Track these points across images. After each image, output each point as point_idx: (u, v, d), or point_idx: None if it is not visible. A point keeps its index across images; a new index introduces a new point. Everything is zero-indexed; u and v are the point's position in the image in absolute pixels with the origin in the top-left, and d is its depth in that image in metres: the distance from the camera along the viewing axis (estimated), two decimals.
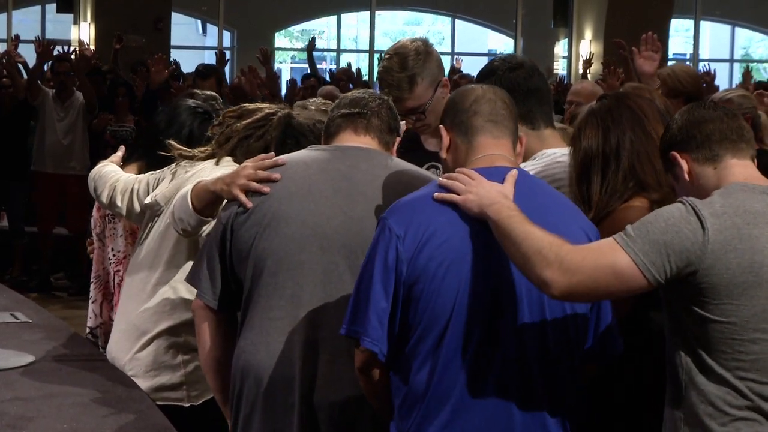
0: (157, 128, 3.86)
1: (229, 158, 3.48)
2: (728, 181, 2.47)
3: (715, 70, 8.96)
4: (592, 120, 2.86)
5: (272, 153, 3.09)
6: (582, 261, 2.36)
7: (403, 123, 3.77)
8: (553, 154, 3.08)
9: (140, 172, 3.76)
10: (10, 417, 3.04)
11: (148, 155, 3.81)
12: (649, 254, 2.35)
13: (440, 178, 2.64)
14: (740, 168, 2.49)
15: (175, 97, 5.32)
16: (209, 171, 3.43)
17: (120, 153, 3.90)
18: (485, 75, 3.23)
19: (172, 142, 3.55)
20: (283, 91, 10.63)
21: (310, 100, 3.59)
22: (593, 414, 2.72)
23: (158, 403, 3.33)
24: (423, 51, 3.59)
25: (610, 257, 2.36)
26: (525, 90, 3.16)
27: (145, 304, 3.50)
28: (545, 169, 3.04)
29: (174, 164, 3.56)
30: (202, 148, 3.53)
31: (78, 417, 3.07)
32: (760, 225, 2.39)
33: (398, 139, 3.08)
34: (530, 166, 3.04)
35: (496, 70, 3.21)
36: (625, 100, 2.91)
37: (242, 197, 2.90)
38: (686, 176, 2.53)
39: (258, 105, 3.57)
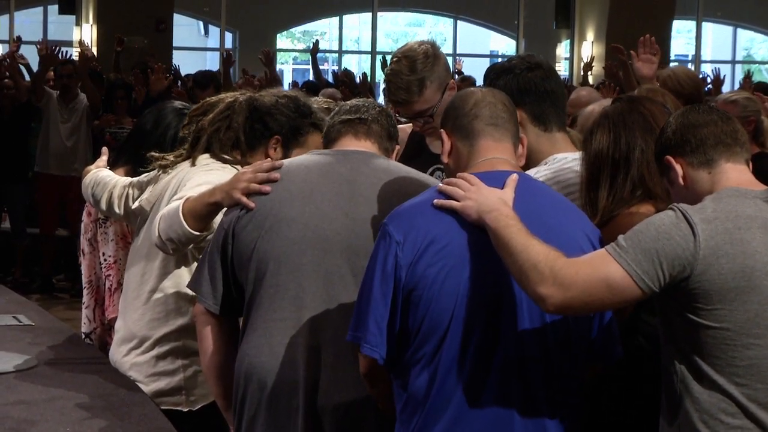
0: (143, 130, 3.86)
1: (205, 155, 3.44)
2: (722, 185, 2.46)
3: (725, 76, 8.94)
4: (604, 122, 2.85)
5: (269, 159, 3.08)
6: (576, 275, 2.34)
7: (409, 125, 3.79)
8: (564, 159, 3.05)
9: (128, 175, 3.75)
10: (14, 420, 3.04)
11: (136, 158, 3.79)
12: (642, 264, 2.34)
13: (440, 184, 2.63)
14: (735, 172, 2.48)
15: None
16: (188, 172, 3.40)
17: (105, 157, 3.86)
18: (501, 72, 3.16)
19: (153, 153, 3.52)
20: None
21: (313, 98, 3.58)
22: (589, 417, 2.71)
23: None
24: (431, 54, 3.60)
25: (603, 270, 2.35)
26: (541, 91, 3.11)
27: (141, 311, 3.48)
28: (556, 175, 3.01)
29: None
30: (177, 153, 3.50)
31: (81, 421, 3.07)
32: (752, 229, 2.37)
33: (398, 147, 3.08)
34: (542, 172, 3.02)
35: (513, 68, 3.15)
36: (638, 106, 2.88)
37: (244, 200, 2.91)
38: (681, 181, 2.51)
39: (219, 96, 3.55)
